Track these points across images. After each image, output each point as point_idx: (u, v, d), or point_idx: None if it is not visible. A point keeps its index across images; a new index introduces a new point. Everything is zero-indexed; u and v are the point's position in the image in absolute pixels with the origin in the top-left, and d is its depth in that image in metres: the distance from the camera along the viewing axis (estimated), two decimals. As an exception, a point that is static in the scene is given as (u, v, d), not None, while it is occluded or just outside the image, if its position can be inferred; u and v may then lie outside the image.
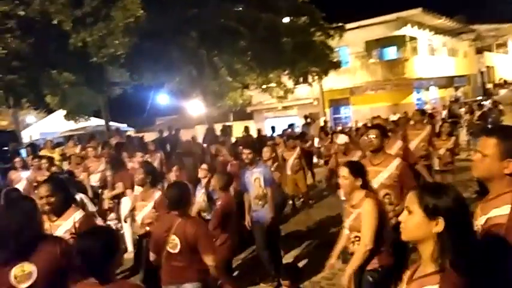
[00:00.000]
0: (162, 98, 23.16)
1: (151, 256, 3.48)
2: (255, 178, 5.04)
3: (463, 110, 16.44)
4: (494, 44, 40.28)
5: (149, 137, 15.17)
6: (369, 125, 10.12)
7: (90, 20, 8.79)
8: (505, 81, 33.53)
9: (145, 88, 17.25)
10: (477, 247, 1.55)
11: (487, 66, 37.42)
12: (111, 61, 9.15)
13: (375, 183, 3.76)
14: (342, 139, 6.49)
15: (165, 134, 13.95)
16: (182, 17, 10.69)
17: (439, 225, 1.52)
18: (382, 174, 3.90)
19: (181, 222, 3.30)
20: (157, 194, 4.61)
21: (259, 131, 14.13)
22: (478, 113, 12.82)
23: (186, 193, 3.46)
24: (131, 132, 22.63)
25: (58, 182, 3.30)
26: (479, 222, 1.85)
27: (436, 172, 7.09)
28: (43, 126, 22.41)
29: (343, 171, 3.23)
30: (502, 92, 28.32)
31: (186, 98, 18.17)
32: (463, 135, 12.70)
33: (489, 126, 10.15)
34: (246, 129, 13.18)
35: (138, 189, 5.26)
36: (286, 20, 13.68)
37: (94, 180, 7.47)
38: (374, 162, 3.97)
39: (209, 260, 3.21)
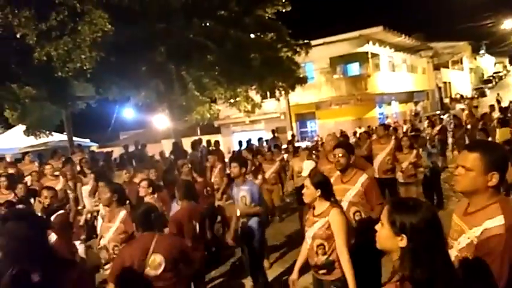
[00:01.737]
0: (127, 112, 22.76)
1: None
2: (241, 196, 4.90)
3: (424, 123, 17.12)
4: (450, 61, 42.43)
5: (116, 152, 14.82)
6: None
7: (55, 33, 8.57)
8: (461, 96, 35.23)
9: (110, 102, 16.95)
10: (444, 265, 1.59)
11: (444, 82, 39.30)
12: (76, 76, 8.95)
13: (344, 201, 3.78)
14: (307, 169, 6.52)
15: (131, 149, 13.68)
16: (150, 31, 10.65)
17: (403, 241, 1.61)
18: (350, 192, 3.88)
19: (160, 238, 3.16)
20: (122, 213, 4.27)
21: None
22: (438, 127, 13.37)
23: (155, 210, 3.38)
24: (94, 147, 22.03)
25: None
26: (472, 233, 1.91)
27: (400, 185, 7.33)
28: (0, 142, 21.43)
29: (306, 182, 3.39)
30: (458, 106, 29.72)
31: (152, 112, 17.92)
32: (429, 148, 13.14)
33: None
34: (216, 143, 13.12)
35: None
36: (253, 36, 13.89)
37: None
38: (343, 180, 3.97)
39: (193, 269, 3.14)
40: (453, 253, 1.97)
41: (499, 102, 18.11)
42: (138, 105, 17.78)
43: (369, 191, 3.88)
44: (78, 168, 9.10)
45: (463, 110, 21.58)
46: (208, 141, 13.62)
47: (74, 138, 16.59)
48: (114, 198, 4.38)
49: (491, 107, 15.38)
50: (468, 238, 1.93)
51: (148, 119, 20.26)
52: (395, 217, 1.64)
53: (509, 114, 11.80)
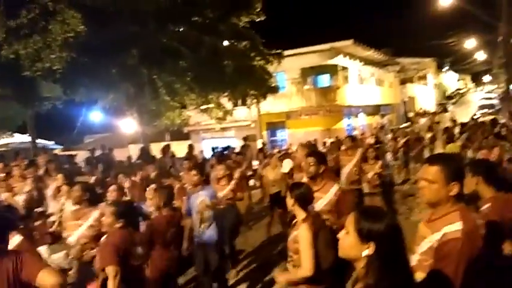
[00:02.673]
0: (93, 115, 22.24)
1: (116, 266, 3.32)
2: (200, 200, 4.94)
3: (388, 136, 17.68)
4: (416, 77, 44.10)
5: (80, 155, 14.44)
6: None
7: (25, 32, 8.32)
8: (425, 111, 36.62)
9: (77, 104, 16.53)
10: (407, 272, 1.64)
11: (409, 97, 40.71)
12: (45, 75, 8.70)
13: (315, 209, 3.77)
14: (287, 166, 6.65)
15: (97, 153, 13.37)
16: (123, 34, 10.52)
17: (370, 249, 1.60)
18: (321, 200, 3.93)
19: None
20: (96, 213, 4.38)
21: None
22: (402, 140, 13.83)
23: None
24: (58, 150, 21.38)
25: None
26: (433, 237, 2.05)
27: (366, 195, 7.54)
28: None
29: (288, 193, 3.40)
30: (422, 120, 30.90)
31: (120, 116, 17.58)
32: (389, 160, 13.58)
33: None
34: (190, 148, 13.00)
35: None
36: (227, 43, 13.96)
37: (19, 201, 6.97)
38: (314, 188, 3.92)
39: None
40: (415, 257, 2.10)
41: (454, 121, 19.48)
42: (106, 108, 17.39)
43: (341, 201, 3.99)
44: (41, 171, 8.83)
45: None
46: (190, 146, 13.39)
47: (37, 140, 16.05)
48: (85, 197, 4.42)
49: (454, 122, 16.11)
50: (429, 242, 2.07)
51: (115, 123, 19.79)
52: (363, 224, 1.63)
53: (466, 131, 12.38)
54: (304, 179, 4.23)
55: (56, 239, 5.68)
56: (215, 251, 4.98)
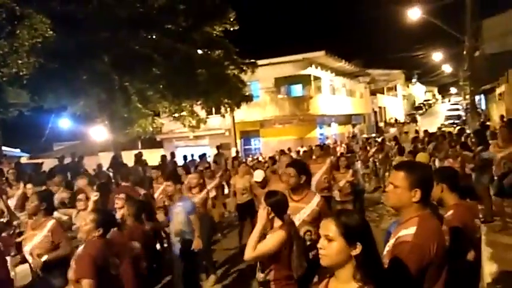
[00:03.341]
0: (62, 122, 21.67)
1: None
2: (175, 213, 4.90)
3: (358, 145, 18.03)
4: (386, 88, 45.30)
5: (48, 164, 14.00)
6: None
7: (-10, 36, 8.08)
8: (396, 120, 37.52)
9: (45, 111, 16.07)
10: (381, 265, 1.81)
11: (379, 107, 41.73)
12: (12, 81, 8.43)
13: (296, 220, 3.74)
14: (259, 176, 6.72)
15: (67, 161, 13.01)
16: (94, 39, 10.34)
17: (357, 249, 1.70)
18: (303, 210, 3.87)
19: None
20: (50, 223, 4.29)
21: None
22: (373, 149, 14.13)
23: None
24: (25, 158, 20.66)
25: None
26: (391, 242, 2.14)
27: (337, 203, 7.65)
28: None
29: (263, 201, 3.36)
30: (392, 130, 31.72)
31: (90, 123, 17.17)
32: (359, 168, 13.84)
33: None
34: (163, 158, 12.84)
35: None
36: (201, 52, 13.95)
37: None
38: (294, 198, 3.93)
39: None
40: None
41: (417, 132, 20.30)
42: (75, 116, 16.93)
43: (325, 211, 3.90)
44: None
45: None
46: (164, 156, 13.23)
47: (3, 148, 15.48)
48: (42, 207, 4.31)
49: (425, 132, 16.59)
50: (388, 246, 2.16)
51: (85, 130, 19.30)
52: (347, 228, 1.71)
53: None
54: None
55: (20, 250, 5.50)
56: (187, 262, 4.92)
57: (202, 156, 13.85)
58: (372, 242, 1.75)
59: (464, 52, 18.77)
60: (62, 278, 3.80)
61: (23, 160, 18.95)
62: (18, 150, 21.01)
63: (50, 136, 25.21)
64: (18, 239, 5.59)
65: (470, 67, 18.32)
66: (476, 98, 21.76)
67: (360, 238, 1.72)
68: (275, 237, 3.15)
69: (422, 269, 1.99)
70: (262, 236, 3.15)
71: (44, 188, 7.37)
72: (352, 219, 1.77)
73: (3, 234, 5.99)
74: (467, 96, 21.82)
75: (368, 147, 14.89)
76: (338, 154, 11.92)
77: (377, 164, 13.46)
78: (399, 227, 2.17)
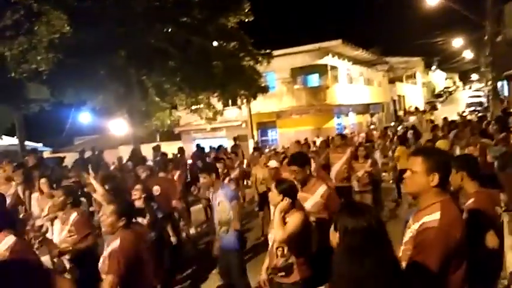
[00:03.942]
0: (82, 117, 22.05)
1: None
2: (218, 202, 4.68)
3: (377, 134, 17.79)
4: (405, 75, 44.44)
5: (69, 157, 14.29)
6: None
7: (10, 33, 8.23)
8: (416, 108, 36.78)
9: (66, 106, 16.37)
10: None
11: (398, 95, 41.05)
12: (31, 77, 8.61)
13: None
14: (273, 163, 6.82)
15: (87, 154, 13.25)
16: (110, 34, 10.44)
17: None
18: (309, 201, 3.90)
19: None
20: (73, 216, 4.37)
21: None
22: (391, 138, 13.91)
23: None
24: (47, 152, 21.15)
25: None
26: (414, 227, 2.11)
27: (356, 193, 7.60)
28: None
29: (273, 188, 3.49)
30: (412, 118, 31.13)
31: (109, 117, 17.41)
32: (378, 157, 13.67)
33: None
34: (181, 150, 12.93)
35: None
36: (216, 44, 13.93)
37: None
38: (303, 188, 3.97)
39: None
40: (401, 248, 2.14)
41: (432, 121, 19.79)
42: (95, 110, 17.22)
43: (331, 201, 3.92)
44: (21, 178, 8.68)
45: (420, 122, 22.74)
46: (181, 148, 13.30)
47: (26, 143, 15.88)
48: (69, 200, 4.40)
49: (444, 119, 16.19)
50: (411, 232, 2.12)
51: (105, 125, 19.55)
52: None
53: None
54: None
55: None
56: (235, 256, 4.69)
57: (219, 148, 13.91)
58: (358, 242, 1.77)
59: (486, 37, 18.20)
60: (88, 270, 3.84)
61: (46, 154, 19.41)
62: (40, 144, 21.52)
63: (71, 130, 25.77)
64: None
65: (492, 53, 17.80)
66: (499, 84, 21.16)
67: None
68: (296, 218, 3.29)
69: (448, 255, 1.97)
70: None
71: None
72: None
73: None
74: (489, 83, 21.22)
75: (386, 136, 14.66)
76: (356, 144, 11.80)
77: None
78: (420, 213, 2.13)
